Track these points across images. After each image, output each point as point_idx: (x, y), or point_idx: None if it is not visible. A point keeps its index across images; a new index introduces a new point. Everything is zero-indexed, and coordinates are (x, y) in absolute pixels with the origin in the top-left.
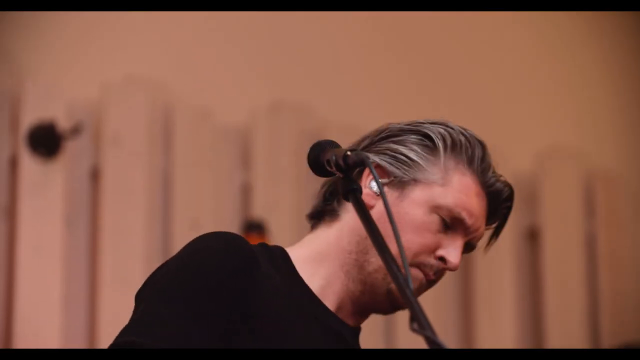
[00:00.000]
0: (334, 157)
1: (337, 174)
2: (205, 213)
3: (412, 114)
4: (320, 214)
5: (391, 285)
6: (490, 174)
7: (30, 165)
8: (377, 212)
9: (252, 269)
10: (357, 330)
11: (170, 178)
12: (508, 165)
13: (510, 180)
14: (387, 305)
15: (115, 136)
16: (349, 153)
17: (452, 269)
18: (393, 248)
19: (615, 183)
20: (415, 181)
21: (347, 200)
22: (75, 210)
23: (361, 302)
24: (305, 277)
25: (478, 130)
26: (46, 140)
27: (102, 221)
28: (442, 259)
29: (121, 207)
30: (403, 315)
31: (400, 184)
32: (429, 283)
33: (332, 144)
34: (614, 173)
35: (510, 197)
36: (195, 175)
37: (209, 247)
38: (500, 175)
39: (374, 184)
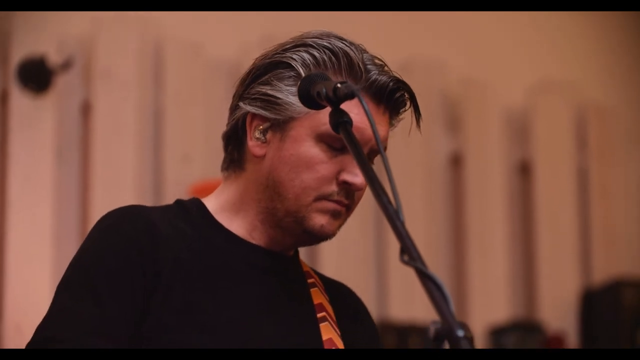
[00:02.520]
0: (324, 90)
1: (327, 106)
2: (196, 147)
3: (404, 50)
4: (228, 165)
5: (305, 225)
6: (365, 76)
7: (20, 100)
8: (268, 159)
9: (146, 235)
10: (291, 257)
11: (161, 112)
12: (499, 100)
13: (501, 115)
14: (310, 242)
15: (105, 71)
16: (338, 85)
17: (359, 189)
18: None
19: (606, 116)
20: (292, 119)
21: (337, 132)
22: (66, 145)
23: (285, 242)
24: (225, 225)
25: (469, 66)
26: (37, 75)
27: (92, 156)
28: (345, 182)
29: (112, 141)
30: (394, 249)
31: (279, 126)
32: (347, 207)
33: (322, 77)
34: (606, 106)
35: (397, 87)
36: (186, 109)
37: (100, 230)
38: (383, 70)
39: (258, 133)
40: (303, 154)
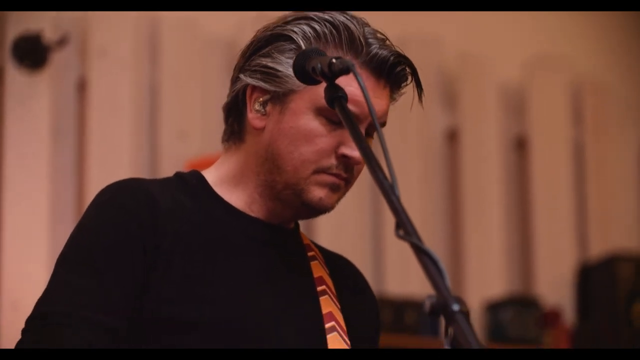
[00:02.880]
0: (319, 65)
1: (323, 82)
2: (193, 124)
3: (400, 26)
4: (228, 137)
5: (303, 198)
6: (365, 50)
7: (16, 77)
8: (268, 132)
9: (146, 208)
10: (291, 230)
11: (157, 89)
12: (495, 76)
13: (497, 90)
14: (308, 214)
15: (101, 47)
16: (334, 60)
17: (358, 163)
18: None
19: (602, 91)
20: (292, 91)
21: (333, 107)
22: (62, 122)
23: (284, 214)
24: (224, 197)
25: (465, 42)
26: (32, 52)
27: (88, 133)
28: (344, 156)
29: (108, 118)
30: (390, 224)
31: (279, 99)
32: (346, 181)
33: (317, 52)
34: (602, 81)
35: (398, 61)
36: (182, 86)
37: (98, 204)
38: (384, 44)
39: (258, 105)
40: (302, 126)
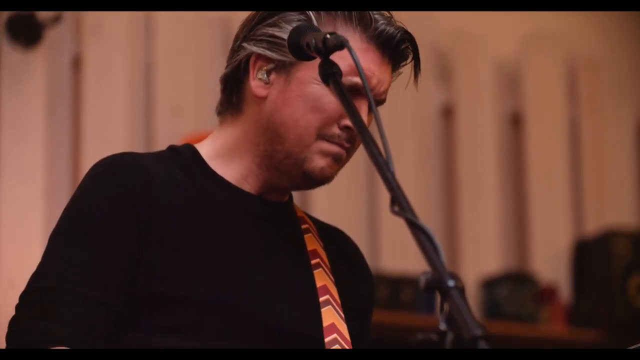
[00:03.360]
0: (313, 41)
1: (317, 57)
2: (188, 100)
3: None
4: (225, 109)
5: (305, 167)
6: (374, 25)
7: (10, 54)
8: (271, 101)
9: (140, 182)
10: (285, 203)
11: (152, 66)
12: (490, 52)
13: (492, 67)
14: (308, 185)
15: (96, 24)
16: (328, 36)
17: None
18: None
19: (598, 67)
20: (298, 61)
21: (327, 83)
22: (57, 99)
23: (281, 185)
24: (218, 171)
25: (460, 18)
26: (26, 29)
27: (83, 109)
28: (347, 127)
29: (103, 95)
30: (386, 200)
31: (284, 68)
32: (348, 151)
33: (311, 28)
34: (597, 57)
35: (404, 38)
36: (177, 62)
37: (93, 177)
38: (391, 21)
39: (261, 74)
40: (308, 95)
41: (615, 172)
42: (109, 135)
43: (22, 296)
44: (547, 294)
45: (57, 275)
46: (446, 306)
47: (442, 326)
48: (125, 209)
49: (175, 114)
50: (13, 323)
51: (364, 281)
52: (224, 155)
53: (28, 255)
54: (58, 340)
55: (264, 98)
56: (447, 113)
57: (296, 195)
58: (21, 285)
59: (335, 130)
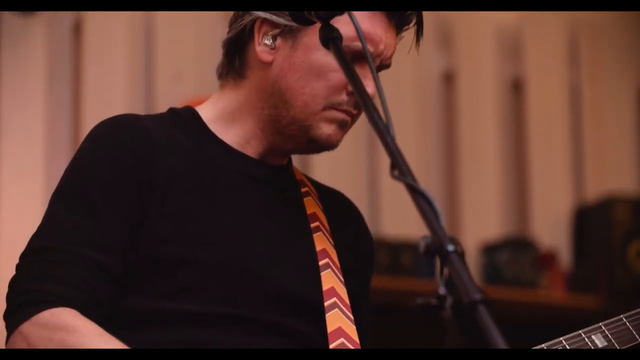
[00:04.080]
0: None
1: (318, 22)
2: (188, 65)
3: None
4: (227, 73)
5: (311, 134)
6: None
7: (10, 20)
8: (276, 66)
9: (142, 144)
10: (285, 166)
11: (152, 31)
12: (491, 18)
13: (493, 32)
14: (312, 150)
15: None
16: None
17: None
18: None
19: (599, 33)
20: (304, 26)
21: (327, 48)
22: (57, 64)
23: (285, 149)
24: (219, 134)
25: None
26: None
27: (84, 74)
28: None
29: (103, 60)
30: (386, 166)
31: (291, 33)
32: (353, 117)
33: None
34: (598, 23)
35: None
36: (177, 27)
37: (94, 139)
38: None
39: (267, 39)
40: (315, 61)
41: (615, 138)
42: (110, 100)
43: (23, 256)
44: (547, 259)
45: (58, 236)
46: (446, 271)
47: (442, 291)
48: (126, 170)
49: (175, 80)
50: (13, 283)
51: (364, 242)
52: (226, 118)
53: (29, 216)
54: (59, 300)
55: (270, 63)
56: (448, 79)
57: (296, 161)
58: (22, 247)
59: (343, 97)
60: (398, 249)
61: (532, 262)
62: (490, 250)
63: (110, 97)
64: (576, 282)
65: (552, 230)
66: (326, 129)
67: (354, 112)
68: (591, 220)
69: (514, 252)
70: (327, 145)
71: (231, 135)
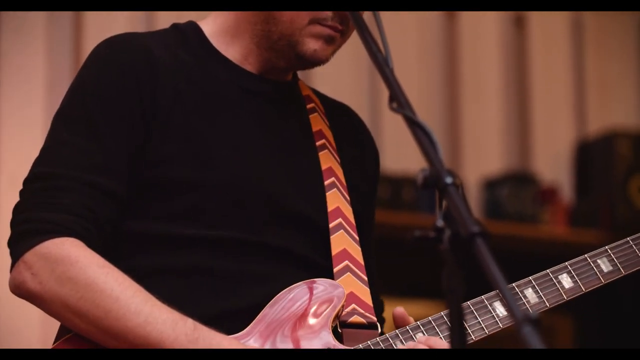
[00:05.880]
0: None
1: None
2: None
3: None
4: None
5: (297, 49)
6: None
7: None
8: None
9: (143, 64)
10: (289, 82)
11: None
12: None
13: None
14: (303, 66)
15: None
16: None
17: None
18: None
19: None
20: None
21: None
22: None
23: (279, 65)
24: (221, 50)
25: None
26: None
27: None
28: None
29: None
30: (387, 100)
31: None
32: (342, 33)
33: None
34: None
35: None
36: None
37: (94, 60)
38: None
39: None
40: None
41: (618, 72)
42: (110, 28)
43: (26, 182)
44: (548, 194)
45: (61, 161)
46: (444, 203)
47: (439, 223)
48: (129, 91)
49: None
50: (17, 210)
51: (370, 154)
52: (227, 33)
53: (29, 150)
54: (61, 229)
55: None
56: (451, 13)
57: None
58: (23, 178)
59: (328, 12)
60: (399, 183)
61: (534, 197)
62: (491, 185)
63: (111, 25)
64: (578, 217)
65: (553, 164)
66: (312, 44)
67: (340, 27)
68: (593, 155)
69: (515, 187)
70: (313, 60)
71: (231, 50)
